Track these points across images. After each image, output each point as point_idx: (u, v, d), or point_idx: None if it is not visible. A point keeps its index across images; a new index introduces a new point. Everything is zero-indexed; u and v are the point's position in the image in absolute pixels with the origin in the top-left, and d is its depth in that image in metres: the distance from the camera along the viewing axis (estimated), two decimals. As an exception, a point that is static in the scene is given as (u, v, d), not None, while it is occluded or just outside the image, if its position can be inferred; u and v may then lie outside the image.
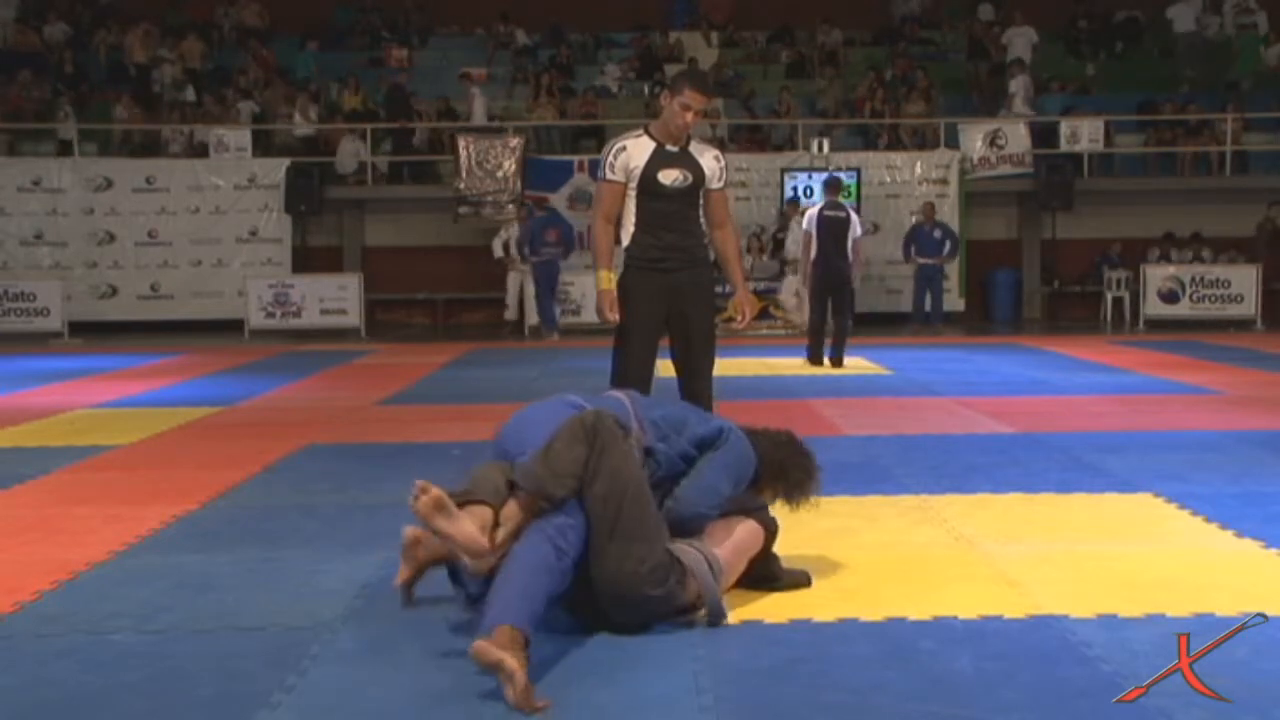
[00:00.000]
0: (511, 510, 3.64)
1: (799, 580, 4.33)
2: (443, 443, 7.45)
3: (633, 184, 5.60)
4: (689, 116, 5.51)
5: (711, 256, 5.90)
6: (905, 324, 17.01)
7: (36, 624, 4.02)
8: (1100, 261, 18.67)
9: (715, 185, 5.71)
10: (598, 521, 3.69)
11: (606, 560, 3.71)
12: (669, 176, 5.58)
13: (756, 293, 16.43)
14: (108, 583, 4.48)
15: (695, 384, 5.75)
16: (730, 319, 6.06)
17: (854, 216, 11.97)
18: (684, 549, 3.88)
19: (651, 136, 5.63)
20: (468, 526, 3.54)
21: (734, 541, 4.07)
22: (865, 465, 6.70)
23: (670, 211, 5.62)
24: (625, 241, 5.70)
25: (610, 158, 5.63)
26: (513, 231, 17.28)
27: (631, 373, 5.65)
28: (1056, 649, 3.68)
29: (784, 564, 4.35)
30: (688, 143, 5.65)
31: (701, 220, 5.77)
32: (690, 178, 5.61)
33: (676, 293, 5.65)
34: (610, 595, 3.76)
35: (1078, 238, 18.81)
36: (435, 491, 3.51)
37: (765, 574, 4.26)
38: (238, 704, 3.30)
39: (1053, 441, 7.35)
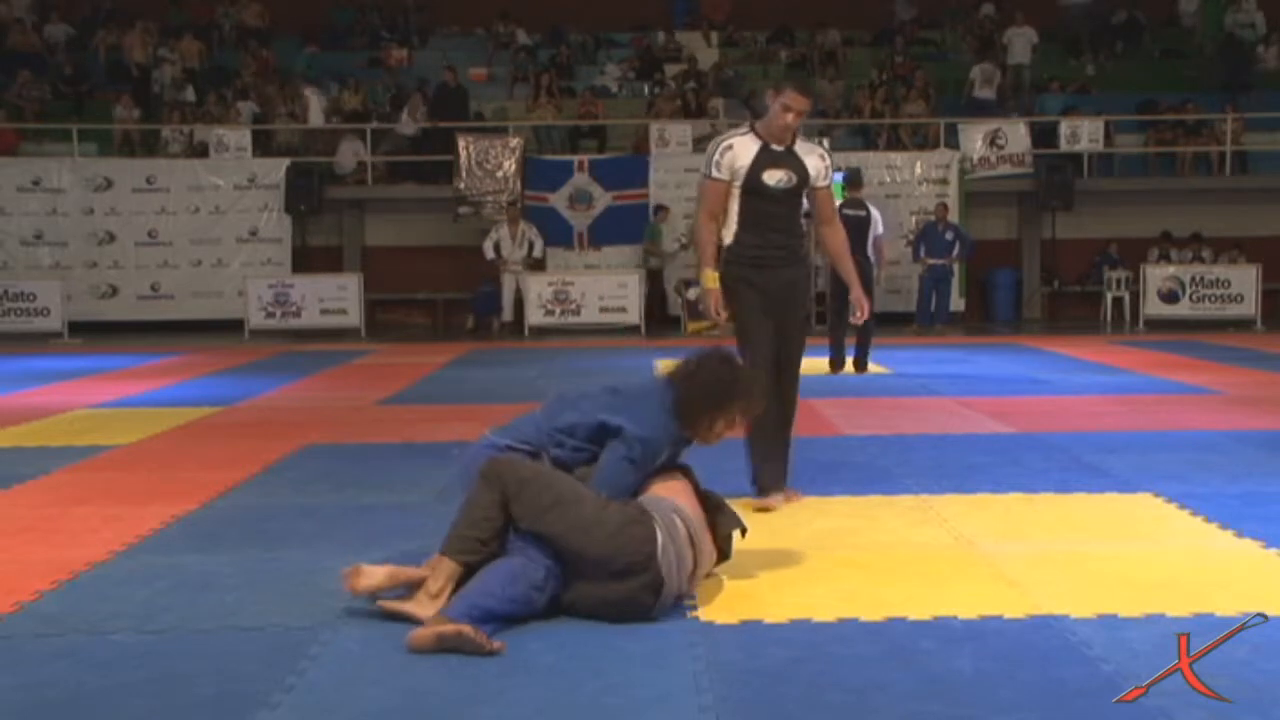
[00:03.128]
0: (444, 567, 3.96)
1: (735, 523, 4.38)
2: (443, 443, 7.44)
3: (737, 182, 5.58)
4: (789, 118, 5.51)
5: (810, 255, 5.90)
6: (907, 324, 16.97)
7: (36, 624, 4.02)
8: (1100, 261, 18.66)
9: (821, 184, 5.72)
10: (534, 523, 3.94)
11: (575, 557, 3.92)
12: (774, 177, 5.57)
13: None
14: (108, 583, 4.49)
15: (785, 378, 5.73)
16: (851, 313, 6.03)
17: (875, 214, 11.53)
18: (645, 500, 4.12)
19: (757, 135, 5.62)
20: (375, 579, 4.03)
21: (665, 489, 4.22)
22: (865, 465, 6.70)
23: (774, 212, 5.63)
24: (728, 240, 5.67)
25: (716, 155, 5.62)
26: (502, 233, 17.32)
27: (761, 365, 5.60)
28: (1056, 649, 3.68)
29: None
30: (793, 142, 5.64)
31: (802, 221, 5.76)
32: (795, 179, 5.60)
33: (775, 290, 5.65)
34: (592, 579, 3.92)
35: (1078, 238, 18.80)
36: (347, 570, 4.06)
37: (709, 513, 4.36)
38: (237, 704, 3.30)
39: (1053, 441, 7.35)
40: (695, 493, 4.33)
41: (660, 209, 17.77)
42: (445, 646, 3.61)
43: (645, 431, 4.25)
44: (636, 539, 3.91)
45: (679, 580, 3.99)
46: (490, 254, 17.30)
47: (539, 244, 17.43)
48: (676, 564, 3.96)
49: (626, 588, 3.90)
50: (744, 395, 4.40)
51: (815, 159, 5.70)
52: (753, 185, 5.58)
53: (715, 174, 5.62)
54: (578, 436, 4.33)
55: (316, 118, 19.17)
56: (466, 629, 3.61)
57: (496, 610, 3.77)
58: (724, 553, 4.39)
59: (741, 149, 5.59)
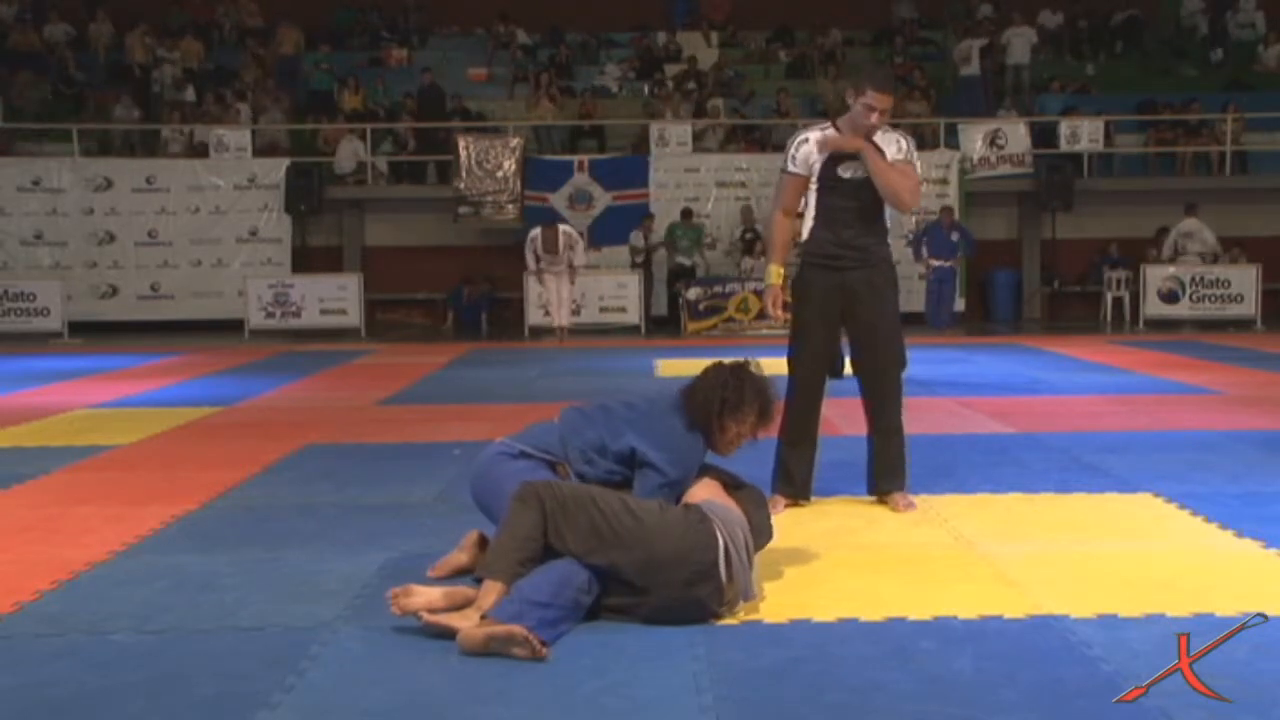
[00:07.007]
0: (493, 589, 3.87)
1: (766, 535, 4.33)
2: (443, 443, 7.44)
3: (813, 177, 5.49)
4: (874, 118, 5.36)
5: (894, 257, 5.72)
6: (907, 324, 16.83)
7: (36, 624, 4.02)
8: (1100, 261, 18.66)
9: (898, 159, 5.48)
10: (600, 545, 3.86)
11: (638, 567, 3.85)
12: (848, 169, 5.43)
13: (756, 293, 16.38)
14: (108, 583, 4.48)
15: (876, 387, 5.62)
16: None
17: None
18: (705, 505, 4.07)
19: (837, 130, 5.51)
20: (429, 598, 3.89)
21: (704, 492, 4.22)
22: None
23: (848, 207, 5.48)
24: (804, 237, 5.57)
25: (792, 149, 5.54)
26: (543, 236, 15.62)
27: (802, 373, 5.56)
28: (1056, 649, 3.68)
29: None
30: (869, 135, 5.46)
31: (885, 219, 5.59)
32: (867, 169, 5.42)
33: (850, 293, 5.51)
34: (664, 582, 3.85)
35: (1078, 238, 18.80)
36: (396, 590, 3.88)
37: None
38: (237, 704, 3.30)
39: (1053, 441, 7.35)
40: (732, 495, 4.28)
41: (687, 213, 17.70)
42: (493, 648, 3.56)
43: (676, 457, 4.25)
44: (701, 543, 3.88)
45: (744, 582, 3.97)
46: (531, 264, 15.85)
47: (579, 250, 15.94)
48: (739, 568, 3.93)
49: (695, 595, 3.86)
50: (755, 398, 4.36)
51: (892, 145, 5.47)
52: (827, 179, 5.45)
53: (790, 168, 5.53)
54: (608, 458, 4.31)
55: None
56: (519, 630, 3.56)
57: (548, 617, 3.70)
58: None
59: (818, 143, 5.48)
